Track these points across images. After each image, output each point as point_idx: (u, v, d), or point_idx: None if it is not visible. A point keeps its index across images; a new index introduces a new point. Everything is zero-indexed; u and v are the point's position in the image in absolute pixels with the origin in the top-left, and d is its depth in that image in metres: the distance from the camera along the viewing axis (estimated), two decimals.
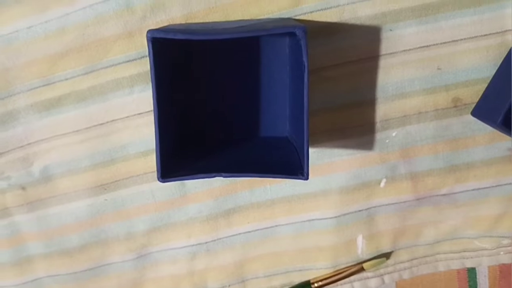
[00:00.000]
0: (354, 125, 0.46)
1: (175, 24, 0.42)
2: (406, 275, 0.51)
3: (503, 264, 0.51)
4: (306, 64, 0.34)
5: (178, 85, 0.43)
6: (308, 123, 0.36)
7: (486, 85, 0.44)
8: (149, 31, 0.34)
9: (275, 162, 0.40)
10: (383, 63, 0.44)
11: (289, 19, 0.42)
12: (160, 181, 0.37)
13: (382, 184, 0.48)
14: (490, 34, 0.43)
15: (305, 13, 0.43)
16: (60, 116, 0.45)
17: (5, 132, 0.46)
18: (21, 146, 0.47)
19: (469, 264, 0.51)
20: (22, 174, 0.48)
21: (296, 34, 0.34)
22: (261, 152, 0.43)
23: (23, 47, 0.43)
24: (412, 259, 0.51)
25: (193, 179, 0.38)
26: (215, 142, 0.45)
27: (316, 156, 0.47)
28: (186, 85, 0.44)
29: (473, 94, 0.45)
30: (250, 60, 0.43)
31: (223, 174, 0.37)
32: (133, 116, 0.46)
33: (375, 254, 0.51)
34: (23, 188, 0.48)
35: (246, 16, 0.43)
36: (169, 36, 0.33)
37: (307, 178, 0.37)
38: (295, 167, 0.38)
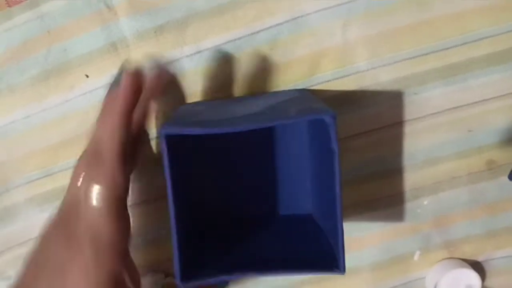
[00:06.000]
0: (383, 195, 0.42)
1: (186, 104, 0.39)
2: None
3: None
4: (336, 151, 0.30)
5: (194, 171, 0.40)
6: (342, 216, 0.32)
7: None
8: (163, 127, 0.30)
9: (304, 251, 0.36)
10: (409, 128, 0.41)
11: (304, 90, 0.39)
12: (180, 285, 0.33)
13: (416, 257, 0.44)
14: None
15: (321, 83, 0.39)
16: None
17: (4, 229, 0.43)
18: (22, 243, 0.43)
19: None
20: None
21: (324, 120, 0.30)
22: (286, 237, 0.38)
23: (21, 139, 0.40)
24: None
25: (215, 282, 0.33)
26: (235, 225, 0.41)
27: (344, 230, 0.43)
28: (202, 170, 0.40)
29: (508, 155, 0.41)
30: (267, 139, 0.40)
31: (248, 273, 0.33)
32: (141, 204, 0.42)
33: None
34: None
35: (260, 89, 0.39)
36: (185, 132, 0.30)
37: (344, 272, 0.33)
38: (327, 258, 0.34)
